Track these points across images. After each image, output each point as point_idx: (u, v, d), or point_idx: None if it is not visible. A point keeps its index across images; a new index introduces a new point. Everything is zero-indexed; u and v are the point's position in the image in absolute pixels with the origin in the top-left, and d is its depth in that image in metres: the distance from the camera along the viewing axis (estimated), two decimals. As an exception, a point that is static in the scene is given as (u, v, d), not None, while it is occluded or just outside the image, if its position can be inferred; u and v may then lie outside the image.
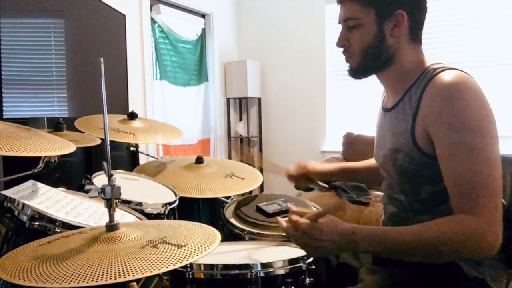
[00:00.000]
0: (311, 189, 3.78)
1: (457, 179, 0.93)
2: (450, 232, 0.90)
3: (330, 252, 1.01)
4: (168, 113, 3.90)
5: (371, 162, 1.39)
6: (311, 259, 1.07)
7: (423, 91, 1.00)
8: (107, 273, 0.70)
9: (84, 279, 0.68)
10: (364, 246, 0.95)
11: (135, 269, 0.70)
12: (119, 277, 0.68)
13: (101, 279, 0.68)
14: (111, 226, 0.85)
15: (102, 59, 0.86)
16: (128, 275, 0.69)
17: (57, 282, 0.68)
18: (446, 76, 0.97)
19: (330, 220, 0.98)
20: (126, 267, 0.71)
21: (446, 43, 3.75)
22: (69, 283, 0.67)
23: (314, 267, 1.07)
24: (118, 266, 0.71)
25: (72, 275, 0.70)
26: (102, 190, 0.84)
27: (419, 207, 1.08)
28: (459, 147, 0.93)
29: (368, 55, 1.07)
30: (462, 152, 0.92)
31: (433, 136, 0.98)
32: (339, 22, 1.11)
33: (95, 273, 0.69)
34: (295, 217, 1.00)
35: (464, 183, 0.92)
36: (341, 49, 1.13)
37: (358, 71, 1.12)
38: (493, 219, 0.89)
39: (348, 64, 1.13)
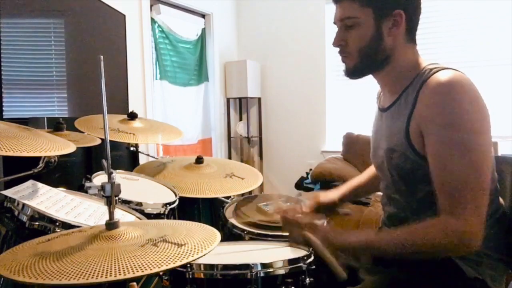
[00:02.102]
0: (311, 189, 3.78)
1: (442, 178, 0.95)
2: (434, 236, 0.94)
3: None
4: (168, 113, 3.90)
5: (371, 171, 1.40)
6: (311, 259, 1.07)
7: (418, 91, 1.01)
8: (107, 270, 0.69)
9: (84, 275, 0.68)
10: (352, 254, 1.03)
11: (135, 267, 0.70)
12: (119, 274, 0.68)
13: (101, 276, 0.68)
14: (111, 224, 0.85)
15: (101, 56, 0.86)
16: (128, 273, 0.69)
17: (57, 279, 0.68)
18: (440, 76, 0.98)
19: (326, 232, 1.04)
20: (126, 264, 0.71)
21: (446, 43, 3.75)
22: (69, 280, 0.67)
23: (314, 267, 1.07)
24: (118, 263, 0.71)
25: (72, 271, 0.69)
26: (102, 187, 0.84)
27: (417, 206, 1.08)
28: (449, 145, 0.93)
29: (365, 55, 1.07)
30: (452, 151, 0.93)
31: (424, 134, 0.98)
32: (334, 22, 1.10)
33: (95, 270, 0.69)
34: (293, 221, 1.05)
35: (449, 183, 0.93)
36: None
37: (355, 71, 1.11)
38: (474, 220, 0.92)
39: (344, 64, 1.12)
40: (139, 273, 0.68)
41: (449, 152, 0.93)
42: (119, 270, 0.69)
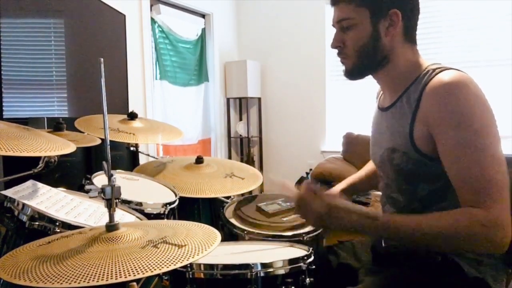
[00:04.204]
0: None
1: (464, 175, 0.93)
2: (460, 223, 0.91)
3: (334, 229, 1.02)
4: (168, 113, 3.90)
5: (369, 167, 1.40)
6: (311, 259, 1.07)
7: (422, 90, 1.00)
8: (107, 273, 0.69)
9: (85, 279, 0.68)
10: (370, 234, 0.99)
11: (136, 269, 0.70)
12: (120, 277, 0.68)
13: (102, 279, 0.68)
14: (111, 226, 0.85)
15: (102, 59, 0.86)
16: (129, 275, 0.68)
17: (58, 282, 0.67)
18: (446, 76, 0.98)
19: (344, 205, 0.99)
20: (126, 267, 0.71)
21: (446, 43, 3.76)
22: (69, 283, 0.67)
23: (314, 267, 1.07)
24: (118, 266, 0.71)
25: (72, 275, 0.69)
26: (102, 190, 0.84)
27: (417, 206, 1.08)
28: (465, 145, 0.93)
29: (363, 55, 1.07)
30: (469, 150, 0.93)
31: (435, 135, 0.98)
32: (333, 25, 1.11)
33: (95, 273, 0.69)
34: (310, 196, 1.00)
35: (472, 178, 0.92)
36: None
37: (354, 72, 1.11)
38: (502, 213, 0.90)
39: (343, 66, 1.13)
40: (140, 275, 0.68)
41: (464, 151, 0.93)
42: (120, 272, 0.69)
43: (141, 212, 1.32)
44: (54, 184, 1.30)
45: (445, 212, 0.94)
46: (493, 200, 0.90)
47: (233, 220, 1.42)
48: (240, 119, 4.76)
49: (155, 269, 0.70)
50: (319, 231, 1.35)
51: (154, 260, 0.73)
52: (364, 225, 0.98)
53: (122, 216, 1.24)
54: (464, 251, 1.02)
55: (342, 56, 1.11)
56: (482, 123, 0.93)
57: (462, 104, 0.94)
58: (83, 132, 1.63)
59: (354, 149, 3.77)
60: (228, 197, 1.66)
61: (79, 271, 0.70)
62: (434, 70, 1.02)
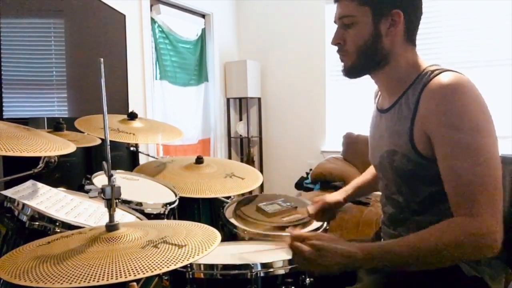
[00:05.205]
0: (311, 189, 3.78)
1: (456, 180, 0.93)
2: (447, 238, 0.90)
3: (331, 271, 1.00)
4: (168, 113, 3.90)
5: (371, 171, 1.40)
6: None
7: (420, 92, 1.00)
8: (108, 273, 0.69)
9: (85, 279, 0.68)
10: (366, 265, 0.96)
11: (136, 269, 0.70)
12: (120, 277, 0.68)
13: (102, 279, 0.68)
14: (111, 226, 0.85)
15: (102, 59, 0.86)
16: (130, 275, 0.69)
17: (58, 282, 0.68)
18: (443, 78, 0.97)
19: (332, 243, 0.96)
20: (127, 267, 0.71)
21: (446, 43, 3.76)
22: (70, 283, 0.67)
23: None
24: (119, 266, 0.71)
25: (73, 275, 0.69)
26: (102, 190, 0.84)
27: (417, 207, 1.08)
28: (459, 147, 0.93)
29: (363, 54, 1.07)
30: (462, 152, 0.92)
31: (432, 137, 0.98)
32: (335, 21, 1.11)
33: (96, 273, 0.69)
34: (297, 244, 0.98)
35: (463, 184, 0.92)
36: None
37: (352, 70, 1.11)
38: (492, 220, 0.89)
39: (342, 63, 1.12)
40: (140, 275, 0.68)
41: (459, 155, 0.93)
42: (120, 272, 0.69)
43: (141, 212, 1.32)
44: (54, 184, 1.30)
45: (430, 228, 0.93)
46: (482, 207, 0.90)
47: (233, 220, 1.42)
48: (240, 119, 4.76)
49: (155, 269, 0.70)
50: (320, 230, 1.35)
51: (154, 260, 0.73)
52: (351, 265, 0.96)
53: (122, 216, 1.24)
54: (458, 262, 1.01)
55: (342, 54, 1.11)
56: (478, 126, 0.93)
57: (458, 107, 0.94)
58: (83, 132, 1.63)
59: (354, 149, 3.77)
60: (228, 197, 1.66)
61: (79, 271, 0.70)
62: (432, 71, 1.02)
